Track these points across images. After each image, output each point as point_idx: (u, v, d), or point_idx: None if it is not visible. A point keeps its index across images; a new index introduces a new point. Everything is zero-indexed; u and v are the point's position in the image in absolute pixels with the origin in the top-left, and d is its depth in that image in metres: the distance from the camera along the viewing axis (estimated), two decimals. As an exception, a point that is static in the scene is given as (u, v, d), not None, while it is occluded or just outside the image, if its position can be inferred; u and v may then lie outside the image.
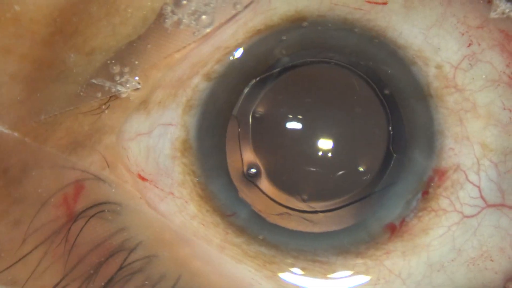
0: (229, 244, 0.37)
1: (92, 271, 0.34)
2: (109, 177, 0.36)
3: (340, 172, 0.39)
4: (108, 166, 0.37)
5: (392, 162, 0.39)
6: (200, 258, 0.35)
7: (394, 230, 0.36)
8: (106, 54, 0.35)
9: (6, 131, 0.34)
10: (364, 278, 0.36)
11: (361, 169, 0.39)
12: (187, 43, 0.36)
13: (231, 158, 0.39)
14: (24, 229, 0.35)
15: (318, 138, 0.39)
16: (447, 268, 0.35)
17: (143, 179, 0.37)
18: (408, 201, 0.37)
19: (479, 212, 0.35)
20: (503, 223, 0.35)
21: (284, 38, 0.37)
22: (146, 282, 0.33)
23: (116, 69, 0.35)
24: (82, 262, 0.34)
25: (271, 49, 0.38)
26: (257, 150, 0.39)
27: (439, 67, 0.35)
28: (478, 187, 0.35)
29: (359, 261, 0.36)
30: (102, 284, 0.33)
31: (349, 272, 0.36)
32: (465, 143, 0.35)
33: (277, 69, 0.39)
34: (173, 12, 0.35)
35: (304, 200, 0.39)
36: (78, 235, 0.35)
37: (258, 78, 0.39)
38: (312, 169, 0.39)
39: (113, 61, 0.35)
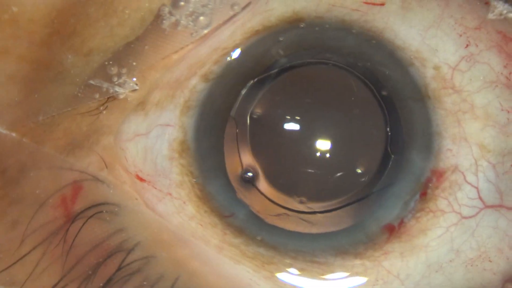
0: (227, 244, 0.36)
1: (90, 272, 0.34)
2: (107, 178, 0.36)
3: (338, 173, 0.39)
4: (106, 167, 0.37)
5: (390, 163, 0.39)
6: (198, 258, 0.35)
7: (392, 231, 0.36)
8: (103, 55, 0.35)
9: (4, 131, 0.34)
10: (362, 279, 0.36)
11: (359, 170, 0.39)
12: (184, 44, 0.36)
13: (229, 159, 0.39)
14: (22, 230, 0.35)
15: (316, 139, 0.39)
16: (445, 269, 0.35)
17: (141, 179, 0.37)
18: (406, 202, 0.36)
19: (477, 213, 0.35)
20: (501, 224, 0.35)
21: (281, 39, 0.37)
22: (145, 283, 0.33)
23: (114, 70, 0.35)
24: (80, 263, 0.34)
25: (268, 50, 0.38)
26: (255, 151, 0.39)
27: (437, 68, 0.35)
28: (476, 188, 0.35)
29: (358, 262, 0.36)
30: (101, 284, 0.33)
31: (348, 273, 0.36)
32: (463, 144, 0.35)
33: (275, 70, 0.39)
34: (170, 13, 0.35)
35: (302, 201, 0.39)
36: (76, 236, 0.35)
37: (256, 79, 0.39)
38: (310, 169, 0.39)
39: (110, 62, 0.35)
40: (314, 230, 0.39)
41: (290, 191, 0.39)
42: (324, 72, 0.39)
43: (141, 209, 0.36)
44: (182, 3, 0.35)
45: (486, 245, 0.35)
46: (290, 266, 0.36)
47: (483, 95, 0.35)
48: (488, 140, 0.35)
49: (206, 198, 0.37)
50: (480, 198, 0.35)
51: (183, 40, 0.36)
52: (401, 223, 0.36)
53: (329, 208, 0.39)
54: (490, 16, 0.34)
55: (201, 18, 0.35)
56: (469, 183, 0.35)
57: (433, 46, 0.35)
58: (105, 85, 0.36)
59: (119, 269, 0.34)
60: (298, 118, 0.39)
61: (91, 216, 0.35)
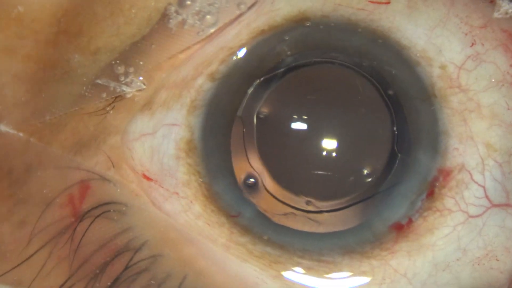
0: (234, 243, 0.36)
1: (98, 271, 0.34)
2: (114, 177, 0.36)
3: (345, 172, 0.39)
4: (113, 166, 0.37)
5: (397, 162, 0.39)
6: (205, 257, 0.35)
7: (399, 230, 0.36)
8: (110, 54, 0.35)
9: (11, 131, 0.34)
10: (369, 278, 0.36)
11: (365, 169, 0.39)
12: (191, 43, 0.36)
13: (236, 158, 0.39)
14: (29, 229, 0.35)
15: (322, 138, 0.38)
16: (452, 268, 0.35)
17: (148, 179, 0.37)
18: (413, 201, 0.36)
19: (484, 212, 0.35)
20: (508, 223, 0.35)
21: (287, 38, 0.37)
22: (152, 282, 0.33)
23: (121, 69, 0.35)
24: (87, 262, 0.34)
25: (274, 49, 0.38)
26: (262, 150, 0.39)
27: (443, 67, 0.35)
28: (483, 187, 0.35)
29: (365, 261, 0.36)
30: (108, 284, 0.33)
31: (355, 272, 0.36)
32: (470, 143, 0.35)
33: (281, 69, 0.39)
34: (177, 12, 0.35)
35: (309, 200, 0.39)
36: (83, 235, 0.35)
37: (262, 78, 0.39)
38: (317, 168, 0.39)
39: (117, 61, 0.35)
40: (321, 229, 0.39)
41: (297, 190, 0.39)
42: (330, 71, 0.39)
43: (148, 208, 0.36)
44: (188, 2, 0.35)
45: (493, 244, 0.35)
46: (297, 265, 0.36)
47: (489, 94, 0.35)
48: (494, 139, 0.35)
49: (213, 197, 0.37)
50: (487, 197, 0.35)
51: (189, 39, 0.36)
52: (410, 222, 0.36)
53: (336, 207, 0.39)
54: (496, 15, 0.34)
55: (208, 17, 0.35)
56: (475, 182, 0.35)
57: (439, 45, 0.35)
58: (112, 84, 0.36)
59: (126, 268, 0.34)
60: (305, 117, 0.39)
61: (98, 215, 0.35)
